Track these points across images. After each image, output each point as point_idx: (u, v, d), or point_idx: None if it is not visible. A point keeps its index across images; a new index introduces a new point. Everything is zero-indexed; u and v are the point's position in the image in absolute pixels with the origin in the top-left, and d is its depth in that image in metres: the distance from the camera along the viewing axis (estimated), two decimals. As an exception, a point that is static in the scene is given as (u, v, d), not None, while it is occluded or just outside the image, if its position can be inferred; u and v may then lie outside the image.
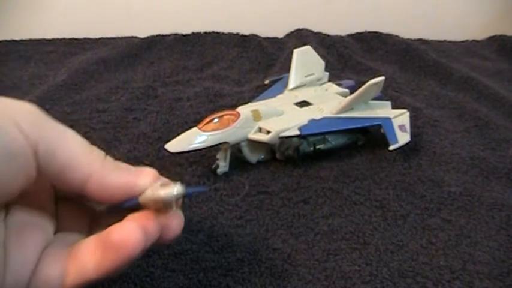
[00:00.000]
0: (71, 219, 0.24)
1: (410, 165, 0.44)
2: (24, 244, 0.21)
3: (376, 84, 0.44)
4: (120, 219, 0.22)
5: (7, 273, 0.20)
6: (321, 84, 0.54)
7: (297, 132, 0.42)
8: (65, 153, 0.20)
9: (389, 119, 0.45)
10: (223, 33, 0.84)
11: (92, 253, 0.21)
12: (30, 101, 0.21)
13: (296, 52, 0.54)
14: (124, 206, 0.22)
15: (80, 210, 0.25)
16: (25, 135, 0.19)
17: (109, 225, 0.22)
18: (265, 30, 0.85)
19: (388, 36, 0.83)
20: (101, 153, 0.22)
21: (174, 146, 0.38)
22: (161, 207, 0.22)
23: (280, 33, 0.86)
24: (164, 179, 0.23)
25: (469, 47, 0.85)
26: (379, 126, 0.45)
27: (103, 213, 0.25)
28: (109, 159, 0.22)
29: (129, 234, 0.20)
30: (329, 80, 0.56)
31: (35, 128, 0.19)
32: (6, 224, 0.21)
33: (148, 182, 0.22)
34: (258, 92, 0.58)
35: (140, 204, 0.22)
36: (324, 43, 0.80)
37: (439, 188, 0.40)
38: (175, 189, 0.21)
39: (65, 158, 0.20)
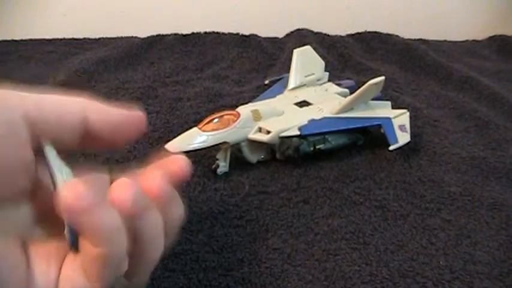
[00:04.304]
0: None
1: (410, 165, 0.44)
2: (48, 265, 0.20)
3: (376, 84, 0.44)
4: None
5: None
6: (321, 84, 0.54)
7: (297, 132, 0.42)
8: (51, 101, 0.21)
9: (389, 119, 0.45)
10: (223, 33, 0.84)
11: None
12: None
13: (296, 52, 0.54)
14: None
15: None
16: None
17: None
18: (265, 30, 0.85)
19: (388, 36, 0.83)
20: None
21: (174, 146, 0.38)
22: None
23: (280, 33, 0.86)
24: None
25: (469, 47, 0.85)
26: (379, 126, 0.45)
27: None
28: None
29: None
30: (329, 80, 0.56)
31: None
32: (27, 248, 0.20)
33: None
34: (258, 92, 0.58)
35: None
36: (324, 43, 0.80)
37: (439, 188, 0.40)
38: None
39: (53, 104, 0.21)
